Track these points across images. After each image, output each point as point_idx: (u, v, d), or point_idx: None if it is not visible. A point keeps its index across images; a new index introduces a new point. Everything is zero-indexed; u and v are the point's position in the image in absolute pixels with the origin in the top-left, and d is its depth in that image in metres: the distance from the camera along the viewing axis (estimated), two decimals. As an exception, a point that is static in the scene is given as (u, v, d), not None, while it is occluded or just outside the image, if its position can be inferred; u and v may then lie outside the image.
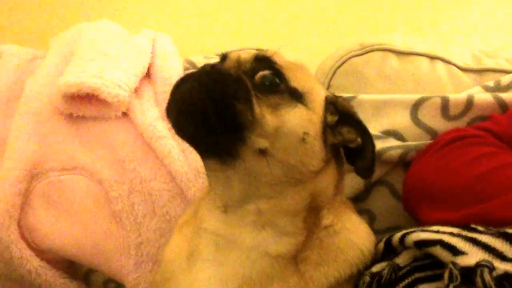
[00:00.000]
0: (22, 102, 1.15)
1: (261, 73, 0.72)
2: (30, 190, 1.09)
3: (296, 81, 0.73)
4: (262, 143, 0.69)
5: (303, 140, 0.71)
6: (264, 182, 0.72)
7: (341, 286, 0.76)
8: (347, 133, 0.77)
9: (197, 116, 0.67)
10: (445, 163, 0.90)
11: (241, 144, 0.68)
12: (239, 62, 0.75)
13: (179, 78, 0.72)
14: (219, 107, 0.66)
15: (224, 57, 0.80)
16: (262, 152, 0.69)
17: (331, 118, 0.77)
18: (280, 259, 0.74)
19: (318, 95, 0.76)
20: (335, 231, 0.77)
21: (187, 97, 0.68)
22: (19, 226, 1.07)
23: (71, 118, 1.12)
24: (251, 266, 0.74)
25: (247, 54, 0.76)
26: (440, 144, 0.94)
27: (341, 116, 0.78)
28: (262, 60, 0.74)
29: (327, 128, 0.76)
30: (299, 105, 0.72)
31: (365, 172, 0.80)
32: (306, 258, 0.75)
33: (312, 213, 0.76)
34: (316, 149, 0.72)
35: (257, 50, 0.78)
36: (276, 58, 0.74)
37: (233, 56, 0.78)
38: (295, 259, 0.75)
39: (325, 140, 0.74)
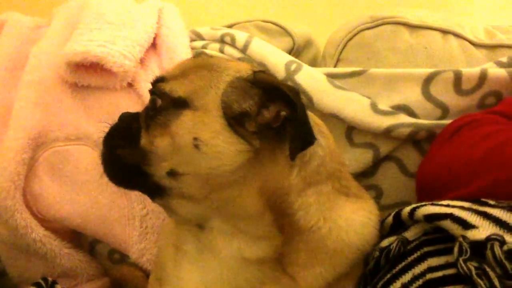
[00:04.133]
0: (26, 71, 1.13)
1: (151, 99, 0.73)
2: (35, 159, 1.08)
3: (180, 88, 0.70)
4: (164, 167, 0.69)
5: (196, 146, 0.66)
6: (199, 197, 0.70)
7: (339, 281, 0.75)
8: (265, 114, 0.67)
9: (107, 170, 0.76)
10: (456, 147, 0.88)
11: (148, 178, 0.71)
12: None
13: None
14: (111, 158, 0.75)
15: None
16: (172, 175, 0.69)
17: (242, 104, 0.68)
18: (265, 263, 0.73)
19: (211, 89, 0.69)
20: (323, 234, 0.72)
21: (102, 158, 0.77)
22: (24, 195, 1.06)
23: (76, 87, 1.11)
24: (236, 273, 0.74)
25: None
26: (450, 132, 0.92)
27: (265, 93, 0.68)
28: (152, 85, 0.74)
29: (232, 120, 0.67)
30: (184, 111, 0.68)
31: (290, 149, 0.66)
32: (292, 261, 0.73)
33: (282, 215, 0.71)
34: (221, 149, 0.66)
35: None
36: (166, 73, 0.74)
37: None
38: (281, 263, 0.73)
39: (238, 132, 0.67)
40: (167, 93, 0.70)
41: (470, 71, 0.99)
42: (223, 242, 0.74)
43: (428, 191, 0.92)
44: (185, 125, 0.68)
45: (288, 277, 0.73)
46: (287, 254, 0.73)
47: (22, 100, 1.09)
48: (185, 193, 0.70)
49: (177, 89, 0.70)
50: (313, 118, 0.78)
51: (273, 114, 0.67)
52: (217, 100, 0.68)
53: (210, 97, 0.69)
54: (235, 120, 0.67)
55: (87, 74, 1.08)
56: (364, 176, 1.06)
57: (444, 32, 1.11)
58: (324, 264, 0.73)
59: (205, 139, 0.67)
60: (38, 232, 1.05)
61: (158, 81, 0.74)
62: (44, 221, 1.08)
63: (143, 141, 0.71)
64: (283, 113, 0.66)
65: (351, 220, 0.76)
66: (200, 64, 0.74)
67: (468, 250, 0.57)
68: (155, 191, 0.73)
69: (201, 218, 0.74)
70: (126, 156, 0.72)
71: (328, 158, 0.75)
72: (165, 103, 0.70)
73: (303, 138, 0.65)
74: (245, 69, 0.72)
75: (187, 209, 0.73)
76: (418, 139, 1.02)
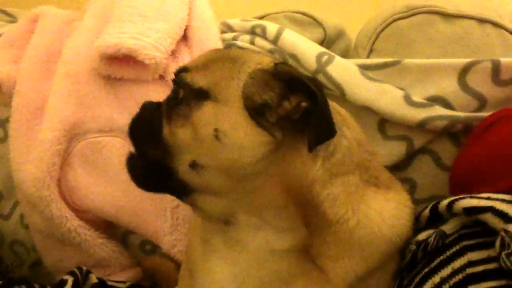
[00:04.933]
0: (60, 64, 1.16)
1: (174, 89, 0.74)
2: (69, 150, 1.10)
3: (203, 79, 0.70)
4: (186, 159, 0.69)
5: (216, 137, 0.67)
6: (223, 191, 0.70)
7: (371, 274, 0.74)
8: (286, 106, 0.67)
9: (136, 173, 0.78)
10: (487, 142, 0.86)
11: (173, 172, 0.71)
12: None
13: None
14: (139, 157, 0.76)
15: None
16: (194, 167, 0.69)
17: (263, 96, 0.67)
18: (293, 255, 0.72)
19: (233, 80, 0.69)
20: (352, 226, 0.71)
21: (127, 158, 0.78)
22: (59, 186, 1.09)
23: (109, 80, 1.12)
24: (265, 265, 0.73)
25: None
26: (484, 126, 0.90)
27: (282, 86, 0.67)
28: (175, 76, 0.75)
29: (253, 112, 0.67)
30: (205, 102, 0.69)
31: (309, 140, 0.65)
32: (321, 253, 0.72)
33: (307, 207, 0.70)
34: (241, 140, 0.66)
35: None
36: (189, 64, 0.75)
37: None
38: (310, 255, 0.73)
39: (259, 123, 0.66)
40: (189, 84, 0.71)
41: (509, 60, 0.96)
42: (249, 235, 0.74)
43: (460, 186, 0.90)
44: (206, 116, 0.68)
45: (318, 270, 0.73)
46: (315, 246, 0.72)
47: (56, 93, 1.12)
48: (209, 187, 0.70)
49: (199, 80, 0.70)
50: (336, 108, 0.77)
51: (293, 105, 0.66)
52: (238, 92, 0.68)
53: (231, 88, 0.69)
54: (256, 112, 0.67)
55: (120, 66, 1.10)
56: (397, 169, 1.04)
57: (481, 21, 1.07)
58: (354, 256, 0.72)
59: (225, 131, 0.67)
60: (72, 222, 1.07)
61: (181, 71, 0.74)
62: (79, 212, 1.10)
63: (165, 131, 0.72)
64: (303, 104, 0.65)
65: (382, 212, 0.74)
66: (222, 55, 0.74)
67: (511, 244, 0.56)
68: (181, 190, 0.73)
69: (227, 213, 0.73)
70: (151, 152, 0.73)
71: (354, 149, 0.73)
72: (187, 93, 0.71)
73: (323, 130, 0.64)
74: (266, 61, 0.71)
75: (213, 204, 0.73)
76: (455, 132, 0.99)
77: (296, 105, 0.66)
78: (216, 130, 0.67)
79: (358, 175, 0.73)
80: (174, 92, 0.73)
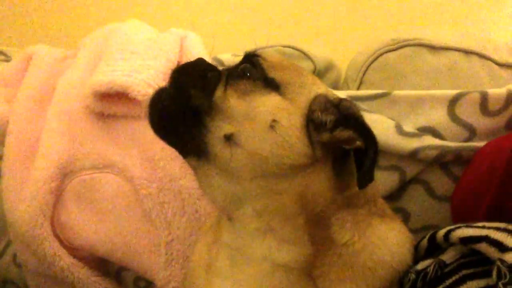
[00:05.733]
0: (53, 102, 1.16)
1: (241, 66, 0.74)
2: (62, 188, 1.10)
3: (277, 74, 0.73)
4: (226, 128, 0.69)
5: (271, 127, 0.68)
6: (242, 176, 0.70)
7: None
8: (341, 133, 0.69)
9: (161, 108, 0.74)
10: (475, 169, 0.88)
11: (203, 131, 0.70)
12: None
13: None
14: (177, 95, 0.73)
15: None
16: (228, 139, 0.68)
17: (323, 116, 0.70)
18: (294, 272, 0.72)
19: (304, 90, 0.73)
20: (357, 250, 0.73)
21: (156, 92, 0.75)
22: (52, 224, 1.08)
23: (102, 117, 1.12)
24: (267, 281, 0.73)
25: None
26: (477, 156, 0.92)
27: (341, 117, 0.70)
28: (248, 56, 0.76)
29: (311, 124, 0.70)
30: (273, 93, 0.71)
31: (360, 179, 0.69)
32: (322, 274, 0.72)
33: (316, 225, 0.72)
34: (292, 141, 0.68)
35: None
36: (264, 55, 0.76)
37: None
38: (310, 275, 0.72)
39: (309, 137, 0.70)
40: (264, 69, 0.73)
41: (497, 91, 0.98)
42: (254, 242, 0.73)
43: (460, 216, 0.91)
44: (271, 104, 0.69)
45: None
46: (319, 266, 0.72)
47: (49, 130, 1.12)
48: (230, 166, 0.69)
49: (274, 72, 0.73)
50: None
51: (346, 137, 0.69)
52: (307, 101, 0.72)
53: (302, 95, 0.72)
54: (314, 125, 0.70)
55: (113, 103, 1.10)
56: (390, 199, 1.04)
57: (467, 52, 1.09)
58: (357, 280, 0.72)
59: (283, 125, 0.68)
60: (66, 261, 1.06)
61: (254, 55, 0.76)
62: (72, 249, 1.09)
63: (218, 93, 0.71)
64: (358, 142, 0.68)
65: (386, 239, 0.76)
66: (297, 66, 0.79)
67: (507, 274, 0.56)
68: (198, 152, 0.71)
69: (234, 201, 0.72)
70: (195, 96, 0.72)
71: (369, 187, 0.75)
72: (257, 76, 0.72)
73: (369, 174, 0.68)
74: (332, 93, 0.76)
75: (222, 183, 0.72)
76: (445, 162, 1.00)
77: (348, 138, 0.69)
78: (274, 120, 0.68)
79: (367, 208, 0.77)
80: (242, 68, 0.74)
